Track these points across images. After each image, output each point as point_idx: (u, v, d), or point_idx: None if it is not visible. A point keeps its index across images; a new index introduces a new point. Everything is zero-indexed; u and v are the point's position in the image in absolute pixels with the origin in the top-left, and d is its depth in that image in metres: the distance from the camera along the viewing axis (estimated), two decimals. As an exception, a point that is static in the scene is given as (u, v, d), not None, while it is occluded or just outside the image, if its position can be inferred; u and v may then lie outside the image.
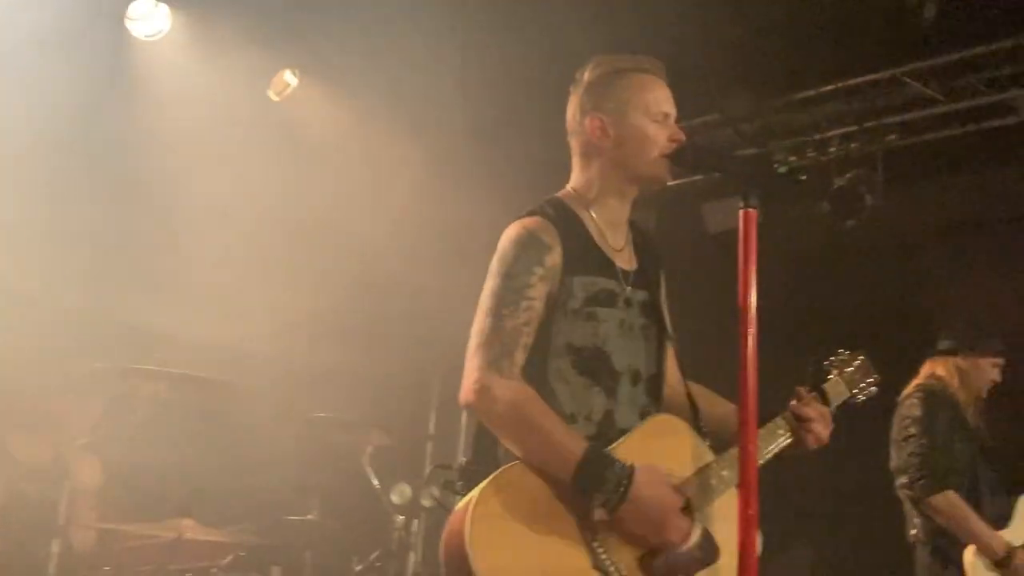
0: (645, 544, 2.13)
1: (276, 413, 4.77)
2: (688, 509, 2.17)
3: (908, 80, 5.54)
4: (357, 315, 5.68)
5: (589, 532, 2.10)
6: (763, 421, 2.36)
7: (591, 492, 2.07)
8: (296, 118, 5.72)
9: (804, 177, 2.14)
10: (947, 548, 3.88)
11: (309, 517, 4.31)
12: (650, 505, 2.08)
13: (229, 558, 3.96)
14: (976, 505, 3.87)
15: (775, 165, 2.11)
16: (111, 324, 5.00)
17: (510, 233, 2.32)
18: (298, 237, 5.51)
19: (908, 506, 4.06)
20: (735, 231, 2.02)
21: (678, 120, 2.44)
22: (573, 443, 2.11)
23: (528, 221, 2.33)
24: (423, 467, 6.46)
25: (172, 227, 5.23)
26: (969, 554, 3.81)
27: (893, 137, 5.78)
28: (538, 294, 2.24)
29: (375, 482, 4.32)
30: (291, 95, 5.68)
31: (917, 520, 4.00)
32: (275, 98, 5.66)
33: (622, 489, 2.06)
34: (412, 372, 6.12)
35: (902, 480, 4.05)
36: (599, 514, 2.10)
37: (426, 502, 5.20)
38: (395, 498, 5.07)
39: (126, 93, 5.12)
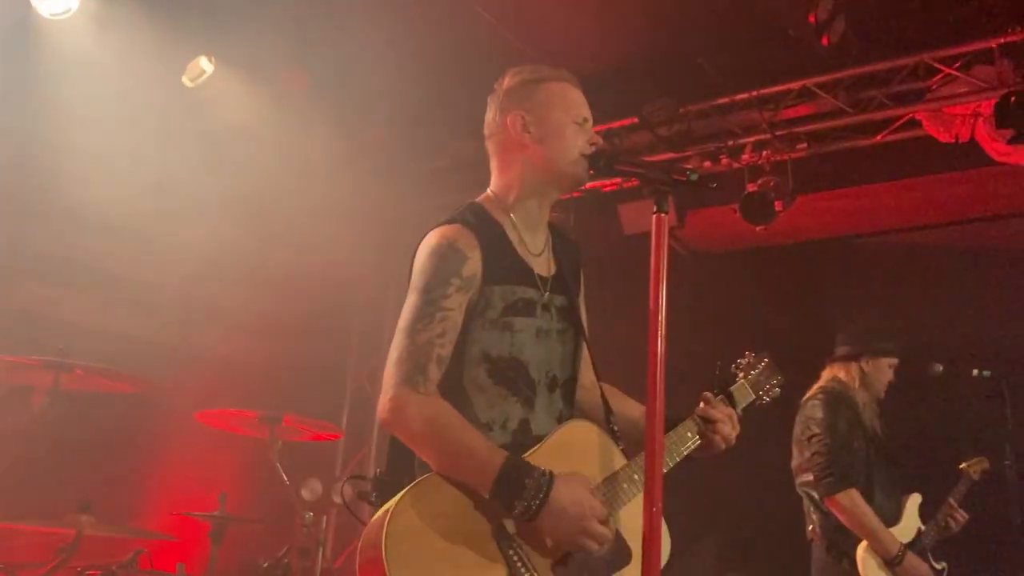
0: (563, 549, 2.14)
1: (182, 405, 4.65)
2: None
3: (818, 91, 5.73)
4: (271, 306, 5.59)
5: (506, 542, 2.11)
6: (673, 423, 2.43)
7: (511, 500, 2.07)
8: (212, 105, 5.58)
9: (715, 185, 2.20)
10: (842, 544, 4.04)
11: (215, 513, 4.22)
12: (570, 511, 2.10)
13: (131, 555, 3.85)
14: (869, 503, 4.02)
15: (687, 172, 2.15)
16: (7, 313, 4.80)
17: (429, 242, 2.32)
18: (210, 227, 5.38)
19: (807, 503, 4.21)
20: (651, 233, 2.07)
21: (596, 124, 2.49)
22: (491, 454, 2.12)
23: (447, 229, 2.32)
24: (335, 463, 6.40)
25: (74, 214, 5.04)
26: (861, 550, 3.97)
27: (803, 146, 5.96)
28: (455, 304, 2.25)
29: (284, 478, 4.25)
30: (207, 82, 5.53)
31: (815, 516, 4.16)
32: (190, 84, 5.51)
33: (542, 495, 2.07)
34: (325, 366, 6.05)
35: (805, 478, 4.20)
36: (518, 522, 2.10)
37: (337, 499, 5.15)
38: (306, 494, 5.02)
39: (30, 74, 4.91)
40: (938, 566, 4.14)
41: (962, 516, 4.26)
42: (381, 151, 5.87)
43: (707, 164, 6.13)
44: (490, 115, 2.50)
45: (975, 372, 4.40)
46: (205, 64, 5.55)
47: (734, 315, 6.47)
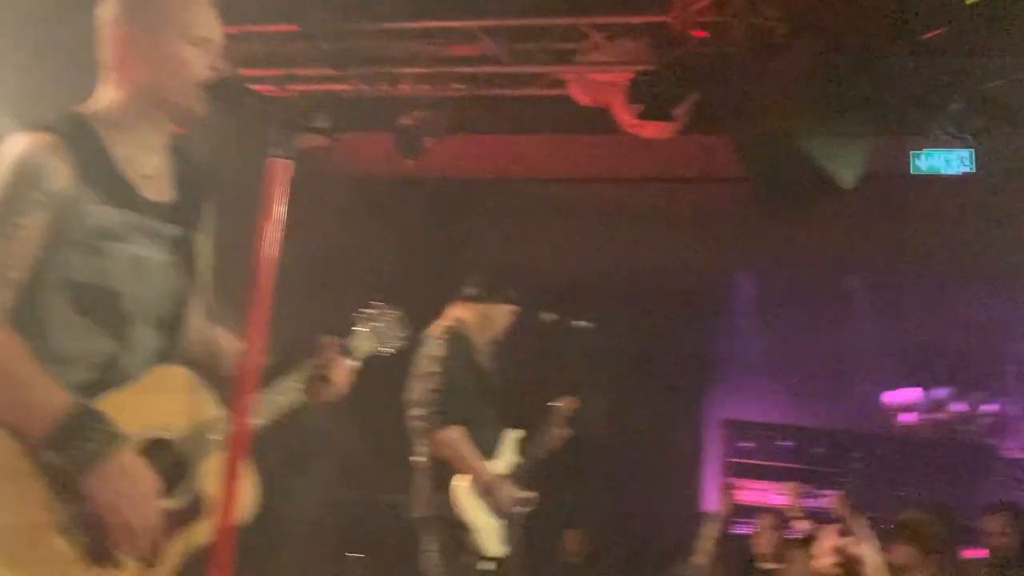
0: (108, 519, 1.96)
1: None
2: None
3: (482, 35, 5.83)
4: None
5: (59, 489, 1.94)
6: (285, 370, 2.36)
7: (70, 442, 1.90)
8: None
9: (336, 136, 2.15)
10: (443, 475, 4.28)
11: None
12: (126, 477, 1.96)
13: None
14: (474, 438, 4.29)
15: (310, 119, 2.07)
16: None
17: (12, 151, 2.04)
18: None
19: (416, 435, 4.40)
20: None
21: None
22: (54, 396, 1.94)
23: (36, 138, 2.06)
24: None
25: None
26: (458, 481, 4.24)
27: (460, 87, 6.07)
28: (32, 223, 2.00)
29: None
30: None
31: (422, 448, 4.36)
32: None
33: (106, 446, 1.93)
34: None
35: (417, 412, 4.38)
36: (68, 474, 1.92)
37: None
38: None
39: None
40: (529, 495, 4.56)
41: (561, 432, 4.71)
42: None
43: (364, 88, 6.02)
44: (104, 13, 2.20)
45: (576, 324, 4.84)
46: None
47: (377, 242, 6.53)
